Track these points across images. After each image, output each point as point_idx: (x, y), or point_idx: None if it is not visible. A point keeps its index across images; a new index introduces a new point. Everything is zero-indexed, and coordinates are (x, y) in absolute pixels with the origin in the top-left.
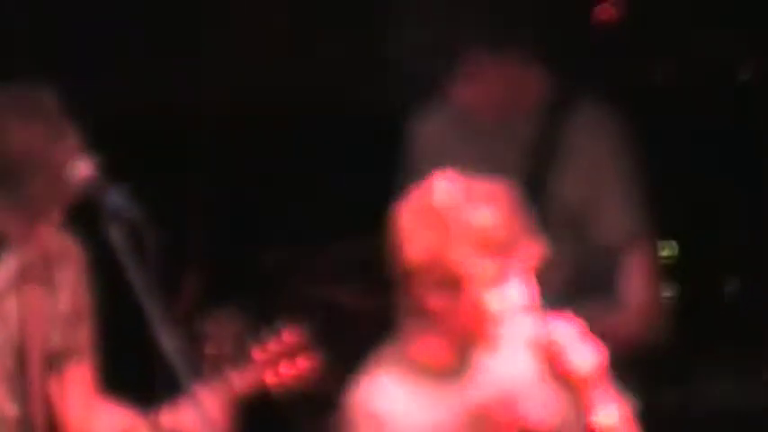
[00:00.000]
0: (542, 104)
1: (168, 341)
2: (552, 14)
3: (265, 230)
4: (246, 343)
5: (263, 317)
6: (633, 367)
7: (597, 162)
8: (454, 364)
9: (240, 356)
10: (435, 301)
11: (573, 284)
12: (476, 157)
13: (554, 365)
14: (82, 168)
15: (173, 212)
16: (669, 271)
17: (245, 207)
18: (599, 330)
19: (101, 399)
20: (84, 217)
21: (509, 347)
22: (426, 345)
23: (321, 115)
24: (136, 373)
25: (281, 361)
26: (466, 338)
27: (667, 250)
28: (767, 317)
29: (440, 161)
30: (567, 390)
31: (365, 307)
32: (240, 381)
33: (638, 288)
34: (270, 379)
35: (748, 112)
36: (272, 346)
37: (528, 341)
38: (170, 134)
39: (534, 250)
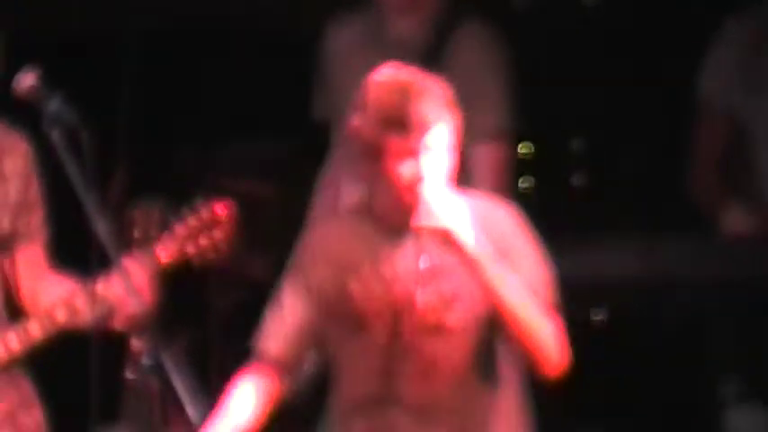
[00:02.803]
0: (436, 18)
1: (102, 225)
2: None
3: (180, 131)
4: (168, 225)
5: (179, 205)
6: None
7: (472, 72)
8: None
9: (164, 237)
10: (362, 169)
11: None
12: (378, 62)
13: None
14: (27, 79)
15: (103, 117)
16: (526, 165)
17: (165, 110)
18: None
19: (49, 273)
20: (30, 121)
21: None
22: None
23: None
24: (75, 252)
25: (200, 234)
26: (391, 207)
27: (524, 148)
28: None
29: (347, 69)
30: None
31: (265, 196)
32: (164, 253)
33: (490, 178)
34: (190, 250)
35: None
36: (191, 221)
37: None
38: (101, 48)
39: (442, 131)
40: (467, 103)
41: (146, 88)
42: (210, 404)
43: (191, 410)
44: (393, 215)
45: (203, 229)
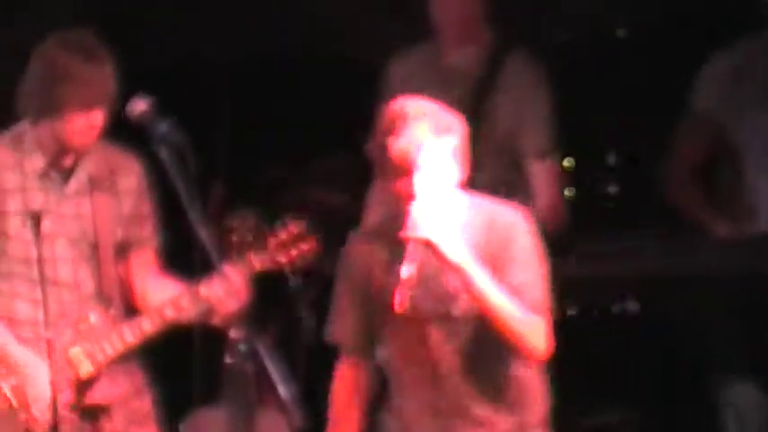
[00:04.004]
0: (488, 51)
1: (204, 233)
2: None
3: (270, 150)
4: (262, 233)
5: (270, 214)
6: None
7: (522, 98)
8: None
9: (257, 243)
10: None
11: (499, 186)
12: (434, 89)
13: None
14: (139, 104)
15: (205, 138)
16: (568, 178)
17: (257, 132)
18: None
19: (158, 275)
20: (141, 141)
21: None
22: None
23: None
24: (182, 256)
25: (290, 246)
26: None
27: (567, 163)
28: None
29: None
30: None
31: (340, 204)
32: (259, 261)
33: (547, 190)
34: (282, 259)
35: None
36: (283, 234)
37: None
38: (202, 76)
39: (437, 150)
40: (519, 124)
41: (241, 112)
42: (297, 385)
43: (282, 390)
44: (401, 226)
45: (293, 241)
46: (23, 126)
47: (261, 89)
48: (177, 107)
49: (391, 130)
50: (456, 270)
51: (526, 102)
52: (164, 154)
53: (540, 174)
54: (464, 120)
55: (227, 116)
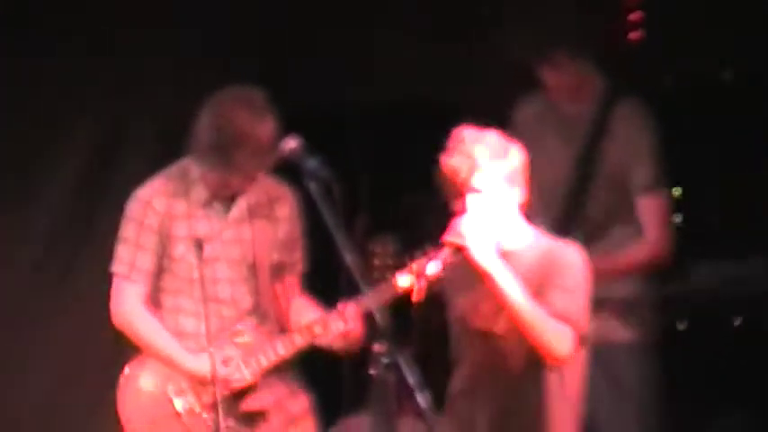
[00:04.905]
0: (599, 99)
1: (349, 257)
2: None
3: (406, 183)
4: (401, 258)
5: (407, 240)
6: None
7: (631, 138)
8: None
9: (399, 266)
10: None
11: (613, 216)
12: (553, 135)
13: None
14: (290, 143)
15: (348, 173)
16: (677, 205)
17: (394, 167)
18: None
19: (300, 296)
20: (293, 175)
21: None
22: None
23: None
24: (330, 278)
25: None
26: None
27: (676, 192)
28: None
29: (527, 137)
30: None
31: None
32: (402, 284)
33: (655, 223)
34: (422, 283)
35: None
36: (422, 259)
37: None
38: (345, 119)
39: (491, 175)
40: (628, 162)
41: (379, 150)
42: (432, 396)
43: (419, 399)
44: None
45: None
46: (189, 160)
47: (396, 128)
48: (324, 145)
49: (449, 151)
50: (484, 274)
51: (634, 142)
52: (312, 187)
53: (648, 208)
54: (578, 161)
55: (369, 152)
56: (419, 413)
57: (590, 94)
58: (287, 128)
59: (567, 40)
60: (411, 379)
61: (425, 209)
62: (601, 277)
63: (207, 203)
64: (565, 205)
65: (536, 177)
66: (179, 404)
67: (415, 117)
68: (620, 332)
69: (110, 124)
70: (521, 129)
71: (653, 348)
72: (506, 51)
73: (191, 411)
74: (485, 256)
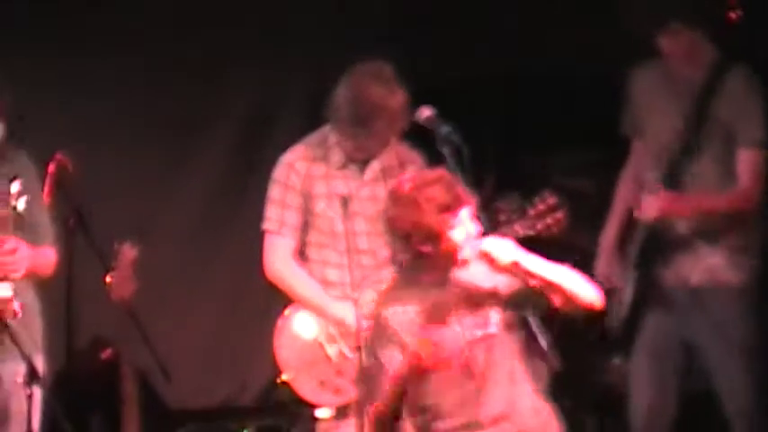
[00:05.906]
0: (712, 64)
1: (478, 213)
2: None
3: (529, 145)
4: (523, 209)
5: (529, 197)
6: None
7: (739, 100)
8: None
9: (520, 216)
10: (425, 249)
11: (717, 168)
12: (670, 96)
13: (491, 264)
14: (425, 111)
15: (476, 138)
16: None
17: (517, 131)
18: (723, 196)
19: None
20: (427, 140)
21: (470, 261)
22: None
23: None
24: None
25: (546, 215)
26: (447, 264)
27: None
28: None
29: (646, 101)
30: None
31: (588, 190)
32: (521, 229)
33: (748, 174)
34: (539, 227)
35: None
36: (540, 206)
37: (476, 255)
38: (476, 88)
39: (472, 201)
40: (736, 120)
41: (505, 115)
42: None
43: (541, 341)
44: None
45: (548, 211)
46: (327, 129)
47: (523, 93)
48: (457, 113)
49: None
50: (514, 266)
51: (743, 101)
52: (445, 151)
53: (747, 160)
54: (689, 117)
55: (495, 118)
56: (541, 353)
57: (703, 60)
58: (429, 98)
59: (683, 10)
60: (534, 326)
61: (543, 167)
62: (692, 213)
63: (343, 166)
64: (675, 157)
65: (650, 136)
66: (330, 350)
67: (539, 81)
68: (729, 274)
69: (262, 104)
70: (639, 92)
71: (758, 293)
72: (626, 22)
73: (341, 354)
74: (506, 252)
